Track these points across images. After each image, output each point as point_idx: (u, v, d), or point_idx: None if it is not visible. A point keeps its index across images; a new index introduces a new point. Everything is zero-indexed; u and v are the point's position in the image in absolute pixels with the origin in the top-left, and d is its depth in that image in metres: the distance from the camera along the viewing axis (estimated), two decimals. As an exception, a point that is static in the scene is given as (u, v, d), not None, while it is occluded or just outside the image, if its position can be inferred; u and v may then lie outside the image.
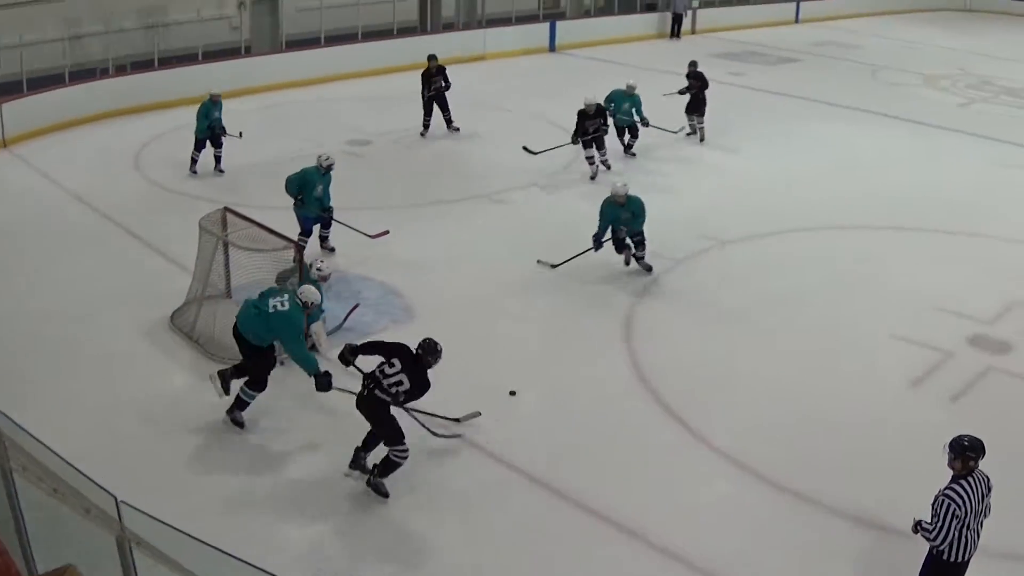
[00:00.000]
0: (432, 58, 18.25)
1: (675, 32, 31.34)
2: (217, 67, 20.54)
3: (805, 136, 19.47)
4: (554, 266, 12.35)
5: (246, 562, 4.40)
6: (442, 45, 25.02)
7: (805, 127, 20.17)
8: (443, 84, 18.21)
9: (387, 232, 12.84)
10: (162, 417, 9.02)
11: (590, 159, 16.16)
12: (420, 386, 7.90)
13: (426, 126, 18.41)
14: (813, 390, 9.84)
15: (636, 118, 17.07)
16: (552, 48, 27.35)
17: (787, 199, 15.53)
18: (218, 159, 15.79)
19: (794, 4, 37.07)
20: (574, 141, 16.07)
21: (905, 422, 9.38)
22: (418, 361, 7.88)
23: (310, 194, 12.14)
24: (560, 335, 10.96)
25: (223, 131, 15.62)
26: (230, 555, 4.41)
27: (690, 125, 18.57)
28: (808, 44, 31.00)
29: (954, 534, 6.13)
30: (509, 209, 14.79)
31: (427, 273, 12.18)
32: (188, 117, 15.87)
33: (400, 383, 7.81)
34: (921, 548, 6.51)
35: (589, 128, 16.04)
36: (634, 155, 17.48)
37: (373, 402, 7.85)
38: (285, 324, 8.50)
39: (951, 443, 6.26)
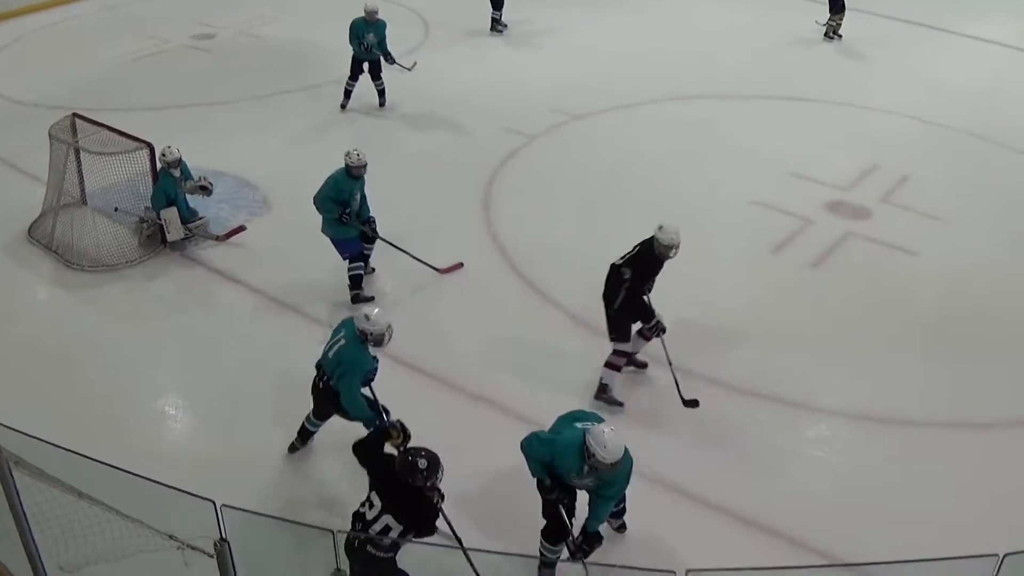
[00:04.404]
0: None
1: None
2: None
3: (637, 11, 18.43)
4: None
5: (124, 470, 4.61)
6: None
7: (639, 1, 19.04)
8: None
9: (461, 265, 10.00)
10: (25, 329, 9.11)
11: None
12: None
13: None
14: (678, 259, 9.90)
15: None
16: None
17: (619, 74, 15.08)
18: (380, 92, 13.74)
19: None
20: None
21: (771, 287, 9.64)
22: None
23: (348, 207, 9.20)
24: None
25: (387, 58, 13.40)
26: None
27: None
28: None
29: None
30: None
31: (275, 163, 12.10)
32: (31, 24, 15.12)
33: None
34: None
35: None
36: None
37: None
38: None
39: None
